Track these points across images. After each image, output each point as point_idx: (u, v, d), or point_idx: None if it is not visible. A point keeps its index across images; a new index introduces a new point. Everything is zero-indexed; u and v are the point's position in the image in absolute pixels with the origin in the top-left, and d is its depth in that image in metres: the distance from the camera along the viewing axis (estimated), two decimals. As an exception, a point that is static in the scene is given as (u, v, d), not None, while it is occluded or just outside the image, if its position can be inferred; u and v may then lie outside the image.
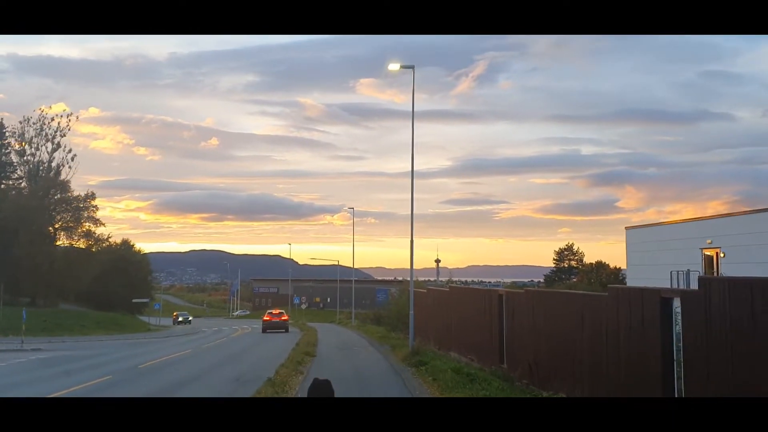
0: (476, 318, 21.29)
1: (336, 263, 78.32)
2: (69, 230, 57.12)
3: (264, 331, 47.32)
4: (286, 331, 46.94)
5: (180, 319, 78.23)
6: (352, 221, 62.56)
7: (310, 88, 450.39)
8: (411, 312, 25.54)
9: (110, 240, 63.72)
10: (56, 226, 57.64)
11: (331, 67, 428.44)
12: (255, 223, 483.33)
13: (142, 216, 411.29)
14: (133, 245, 72.32)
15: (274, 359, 22.54)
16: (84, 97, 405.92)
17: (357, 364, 22.27)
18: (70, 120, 62.41)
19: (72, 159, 62.48)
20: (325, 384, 4.49)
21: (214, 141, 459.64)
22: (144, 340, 41.93)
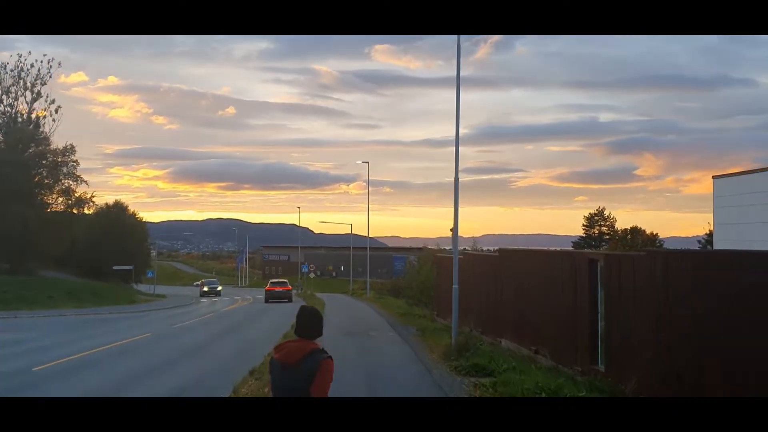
0: (547, 294, 13.52)
1: (349, 228, 70.14)
2: (46, 188, 49.23)
3: (267, 300, 44.16)
4: (290, 300, 43.72)
5: (206, 288, 63.89)
6: (367, 187, 54.19)
7: (325, 54, 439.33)
8: (455, 287, 17.27)
9: (94, 200, 55.44)
10: (34, 183, 49.82)
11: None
12: (271, 192, 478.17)
13: (160, 185, 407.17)
14: (127, 208, 64.37)
15: (248, 358, 14.51)
16: (101, 66, 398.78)
17: (374, 368, 13.97)
18: (51, 66, 54.30)
19: (56, 111, 54.53)
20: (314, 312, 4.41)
21: (231, 110, 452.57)
22: (116, 315, 34.24)
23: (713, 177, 27.94)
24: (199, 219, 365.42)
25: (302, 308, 4.48)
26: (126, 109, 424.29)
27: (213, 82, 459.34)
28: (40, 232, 46.19)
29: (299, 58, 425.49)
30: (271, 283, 48.50)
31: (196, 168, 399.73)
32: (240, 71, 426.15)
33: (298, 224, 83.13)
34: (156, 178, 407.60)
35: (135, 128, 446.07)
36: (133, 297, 50.44)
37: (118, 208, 63.30)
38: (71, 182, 51.45)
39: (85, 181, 52.51)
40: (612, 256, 11.67)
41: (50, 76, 53.95)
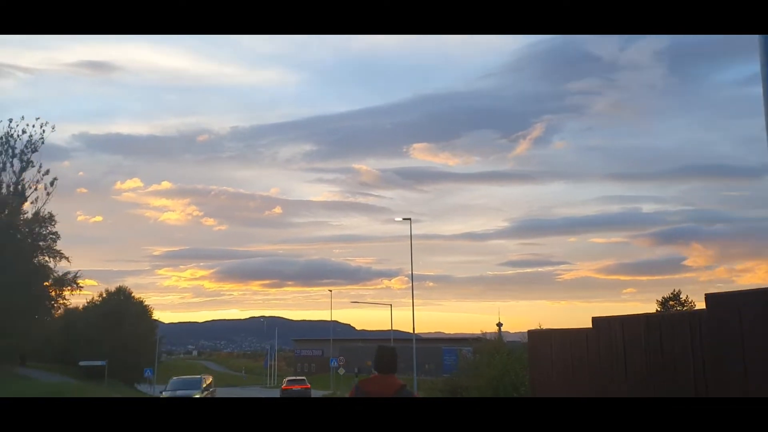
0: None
1: (389, 315, 58.44)
2: (14, 264, 39.46)
3: None
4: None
5: (164, 393, 52.39)
6: (410, 246, 42.95)
7: (365, 154, 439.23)
8: None
9: (79, 282, 45.07)
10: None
11: (386, 133, 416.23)
12: (313, 289, 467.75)
13: (206, 284, 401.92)
14: (131, 293, 54.11)
15: None
16: (153, 172, 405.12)
17: None
18: (44, 131, 45.97)
19: (51, 184, 45.72)
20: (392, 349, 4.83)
21: (277, 209, 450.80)
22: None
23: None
24: (243, 317, 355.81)
25: (381, 347, 4.87)
26: (177, 212, 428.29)
27: (260, 184, 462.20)
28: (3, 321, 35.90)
29: (340, 158, 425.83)
30: (288, 381, 41.98)
31: (241, 267, 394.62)
32: (285, 173, 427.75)
33: (330, 310, 72.64)
34: (202, 278, 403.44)
35: (185, 230, 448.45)
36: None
37: (121, 295, 53.21)
38: (47, 257, 41.47)
39: (66, 258, 42.45)
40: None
41: (42, 142, 45.56)
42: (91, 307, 53.56)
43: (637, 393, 9.42)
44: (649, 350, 7.57)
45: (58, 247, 42.15)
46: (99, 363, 39.24)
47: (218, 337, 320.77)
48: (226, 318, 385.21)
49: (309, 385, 40.23)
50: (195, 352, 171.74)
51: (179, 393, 26.58)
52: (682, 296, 67.34)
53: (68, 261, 42.64)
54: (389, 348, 4.84)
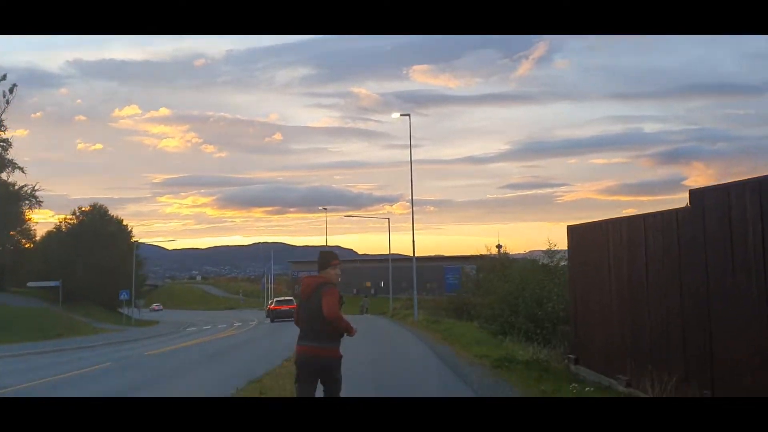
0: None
1: (390, 232, 53.66)
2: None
3: (272, 320, 38.66)
4: None
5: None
6: (410, 149, 37.44)
7: (364, 77, 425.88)
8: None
9: (38, 195, 40.12)
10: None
11: (385, 55, 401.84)
12: (315, 215, 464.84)
13: (208, 211, 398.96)
14: (108, 213, 49.26)
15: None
16: (151, 98, 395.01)
17: None
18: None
19: (11, 91, 40.20)
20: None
21: (277, 136, 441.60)
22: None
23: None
24: (245, 244, 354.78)
25: (320, 251, 5.60)
26: (176, 140, 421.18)
27: (258, 110, 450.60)
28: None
29: (339, 82, 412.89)
30: (276, 301, 41.65)
31: (242, 194, 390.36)
32: (283, 98, 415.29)
33: (325, 227, 68.62)
34: (204, 205, 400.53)
35: (184, 157, 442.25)
36: (91, 328, 35.18)
37: (96, 213, 48.47)
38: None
39: (22, 170, 37.37)
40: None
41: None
42: (66, 229, 49.07)
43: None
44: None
45: (28, 160, 37.07)
46: (51, 284, 34.80)
47: (222, 263, 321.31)
48: (230, 245, 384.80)
49: (296, 305, 36.88)
50: (199, 278, 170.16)
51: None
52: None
53: (23, 172, 37.57)
54: (324, 251, 5.55)
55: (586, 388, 8.28)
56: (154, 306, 53.74)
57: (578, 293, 10.82)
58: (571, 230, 11.30)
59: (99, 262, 45.29)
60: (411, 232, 33.58)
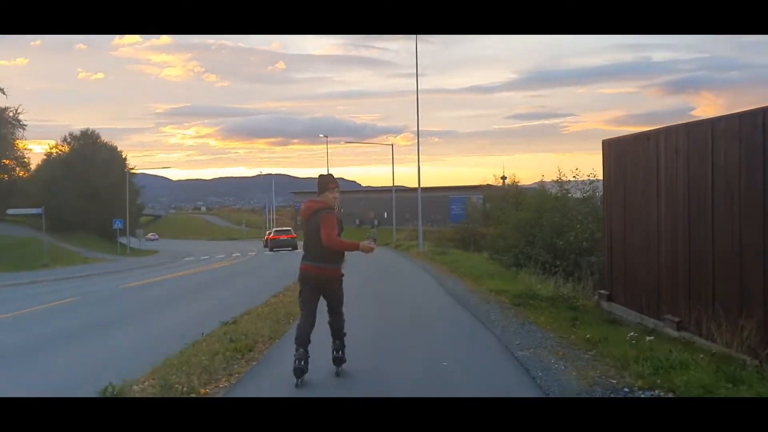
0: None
1: (394, 166, 51.76)
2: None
3: (271, 249, 38.87)
4: (294, 248, 36.83)
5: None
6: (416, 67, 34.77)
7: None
8: None
9: (21, 117, 38.01)
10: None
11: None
12: (318, 146, 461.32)
13: (212, 142, 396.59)
14: (99, 138, 47.06)
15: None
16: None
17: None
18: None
19: None
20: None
21: (280, 65, 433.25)
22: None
23: None
24: (250, 175, 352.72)
25: (319, 175, 5.55)
26: (178, 68, 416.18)
27: (260, 37, 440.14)
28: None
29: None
30: (275, 231, 42.41)
31: (246, 124, 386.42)
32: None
33: (326, 154, 65.97)
34: (207, 135, 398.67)
35: (186, 87, 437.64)
36: (81, 257, 33.73)
37: (88, 140, 46.33)
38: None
39: (1, 90, 35.09)
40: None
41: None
42: (58, 156, 47.09)
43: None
44: None
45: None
46: (32, 211, 33.13)
47: (226, 194, 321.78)
48: (234, 176, 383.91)
49: (294, 235, 39.58)
50: (203, 208, 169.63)
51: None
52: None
53: (3, 94, 35.31)
54: (322, 175, 5.52)
55: (630, 333, 6.54)
56: (150, 236, 52.22)
57: (614, 219, 8.98)
58: (609, 145, 9.34)
59: (93, 190, 43.57)
60: (415, 164, 31.64)
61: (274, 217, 78.96)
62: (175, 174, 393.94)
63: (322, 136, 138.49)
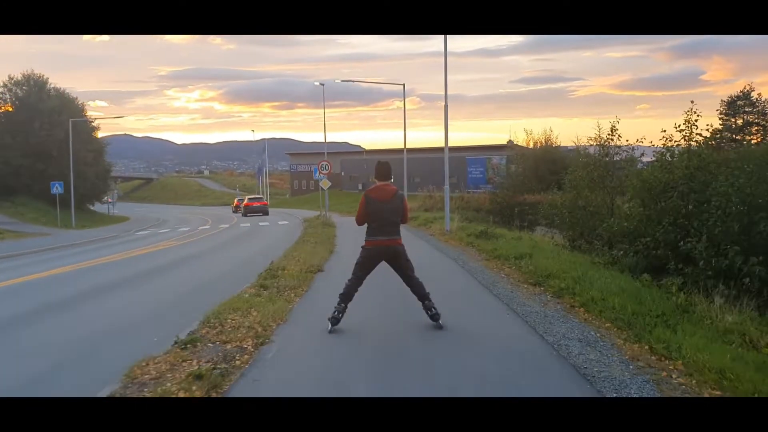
0: None
1: (400, 129, 43.38)
2: None
3: (245, 215, 41.58)
4: (265, 214, 41.12)
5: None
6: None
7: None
8: None
9: None
10: None
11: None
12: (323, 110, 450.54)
13: (216, 105, 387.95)
14: (46, 82, 38.57)
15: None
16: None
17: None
18: None
19: None
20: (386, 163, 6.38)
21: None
22: None
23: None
24: (255, 140, 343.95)
25: (379, 162, 6.39)
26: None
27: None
28: None
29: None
30: (249, 198, 45.97)
31: (250, 87, 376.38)
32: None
33: (323, 107, 57.49)
34: (212, 99, 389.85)
35: (190, 49, 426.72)
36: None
37: (33, 86, 37.91)
38: None
39: None
40: None
41: None
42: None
43: None
44: None
45: None
46: None
47: (231, 158, 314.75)
48: (239, 140, 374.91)
49: (267, 202, 43.85)
50: (206, 172, 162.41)
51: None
52: (755, 94, 51.10)
53: None
54: (385, 162, 6.37)
55: None
56: (107, 198, 44.33)
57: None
58: None
59: (39, 146, 35.51)
60: (423, 128, 23.31)
61: (268, 180, 70.93)
62: (179, 138, 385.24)
63: (317, 83, 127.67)
